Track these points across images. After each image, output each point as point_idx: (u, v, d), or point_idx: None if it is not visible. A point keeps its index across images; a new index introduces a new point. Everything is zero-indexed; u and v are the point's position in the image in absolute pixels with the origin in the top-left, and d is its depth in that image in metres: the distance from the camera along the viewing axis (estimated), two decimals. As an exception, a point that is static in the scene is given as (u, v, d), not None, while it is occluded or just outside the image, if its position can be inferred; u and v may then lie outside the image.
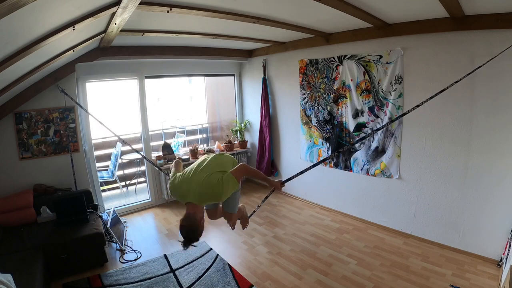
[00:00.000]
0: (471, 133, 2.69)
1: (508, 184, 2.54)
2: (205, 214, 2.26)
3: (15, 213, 2.96)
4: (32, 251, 2.51)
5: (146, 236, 3.56)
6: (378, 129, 2.65)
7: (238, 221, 2.56)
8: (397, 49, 3.03)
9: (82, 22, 1.92)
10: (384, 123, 3.25)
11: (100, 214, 3.34)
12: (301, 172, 2.37)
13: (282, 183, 2.31)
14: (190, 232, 1.79)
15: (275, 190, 2.37)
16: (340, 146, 3.78)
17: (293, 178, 2.39)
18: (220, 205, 2.37)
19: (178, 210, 4.31)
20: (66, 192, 3.42)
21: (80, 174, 3.64)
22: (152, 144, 4.60)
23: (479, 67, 1.87)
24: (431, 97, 2.03)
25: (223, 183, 1.87)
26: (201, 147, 5.04)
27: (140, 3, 1.91)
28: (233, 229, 2.54)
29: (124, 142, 3.61)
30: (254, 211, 2.64)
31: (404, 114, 2.25)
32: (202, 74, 5.26)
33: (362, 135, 3.50)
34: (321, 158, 4.05)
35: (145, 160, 4.44)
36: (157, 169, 4.03)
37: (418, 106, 2.10)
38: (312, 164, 2.41)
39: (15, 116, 3.25)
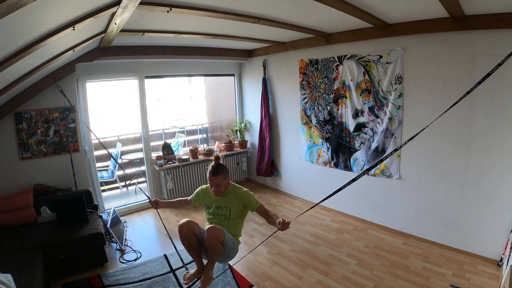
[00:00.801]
0: (471, 133, 2.69)
1: (508, 184, 2.54)
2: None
3: (15, 213, 2.96)
4: (32, 251, 2.51)
5: (146, 236, 3.56)
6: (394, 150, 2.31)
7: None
8: (397, 49, 3.03)
9: (82, 22, 1.92)
10: (384, 123, 3.25)
11: (100, 214, 3.34)
12: (307, 210, 2.16)
13: (288, 223, 2.03)
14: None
15: (281, 229, 2.03)
16: (340, 146, 3.78)
17: (302, 214, 2.30)
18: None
19: (178, 210, 4.30)
20: (66, 192, 3.42)
21: (80, 174, 3.64)
22: (152, 144, 4.60)
23: (486, 77, 1.78)
24: (435, 119, 1.87)
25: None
26: (201, 147, 5.04)
27: (140, 3, 1.91)
28: (186, 283, 2.33)
29: (103, 147, 3.35)
30: (258, 245, 2.58)
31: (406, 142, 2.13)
32: (202, 74, 5.26)
33: (362, 135, 3.50)
34: (320, 158, 4.05)
35: (144, 160, 4.45)
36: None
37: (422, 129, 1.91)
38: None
39: (15, 116, 3.25)
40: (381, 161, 2.78)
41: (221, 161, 2.32)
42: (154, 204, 2.46)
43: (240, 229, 2.42)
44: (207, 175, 2.28)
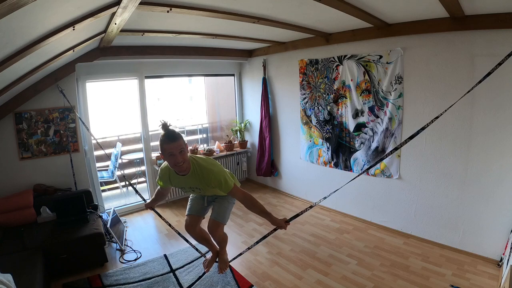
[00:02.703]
0: (471, 133, 2.69)
1: (508, 184, 2.54)
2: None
3: (15, 213, 2.96)
4: (32, 251, 2.51)
5: (146, 236, 3.56)
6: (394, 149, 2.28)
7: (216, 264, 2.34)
8: (397, 49, 3.03)
9: (82, 22, 1.92)
10: (384, 123, 3.25)
11: (100, 214, 3.34)
12: (306, 210, 2.10)
13: (287, 222, 1.99)
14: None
15: (278, 228, 2.02)
16: (340, 146, 3.78)
17: (298, 216, 2.11)
18: (209, 214, 2.20)
19: (178, 210, 4.31)
20: (66, 192, 3.42)
21: (80, 174, 3.64)
22: (152, 144, 4.60)
23: (486, 76, 1.78)
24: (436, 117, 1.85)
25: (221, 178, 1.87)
26: (201, 147, 5.04)
27: (140, 3, 1.91)
28: (207, 270, 2.35)
29: (107, 156, 3.46)
30: (249, 248, 2.27)
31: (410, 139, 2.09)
32: (202, 74, 5.26)
33: (362, 135, 3.50)
34: (320, 158, 4.05)
35: (144, 160, 4.45)
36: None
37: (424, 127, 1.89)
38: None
39: (15, 116, 3.25)
40: (381, 159, 2.79)
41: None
42: (150, 208, 2.37)
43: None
44: (163, 146, 1.76)
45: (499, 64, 1.68)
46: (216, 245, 2.31)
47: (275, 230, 2.09)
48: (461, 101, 2.69)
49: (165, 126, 1.80)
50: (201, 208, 2.24)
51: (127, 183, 5.52)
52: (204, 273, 2.71)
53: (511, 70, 2.39)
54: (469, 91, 1.84)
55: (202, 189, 1.97)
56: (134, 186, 3.37)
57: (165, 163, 1.98)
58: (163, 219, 2.44)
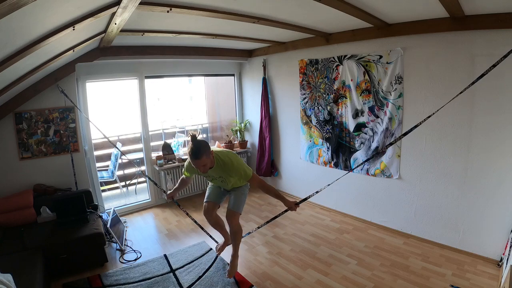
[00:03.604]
0: (471, 133, 2.69)
1: (508, 184, 2.54)
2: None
3: (15, 213, 2.96)
4: (32, 251, 2.51)
5: (146, 236, 3.56)
6: (388, 145, 2.61)
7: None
8: (397, 49, 3.03)
9: (82, 22, 1.92)
10: (384, 123, 3.25)
11: (100, 214, 3.34)
12: (317, 192, 2.44)
13: (297, 204, 2.36)
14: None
15: (288, 210, 2.40)
16: (340, 146, 3.78)
17: (309, 198, 2.47)
18: (226, 203, 2.55)
19: (178, 210, 4.31)
20: (66, 192, 3.42)
21: (80, 174, 3.64)
22: (152, 144, 4.60)
23: (483, 74, 1.82)
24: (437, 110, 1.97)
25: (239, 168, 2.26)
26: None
27: (140, 3, 1.91)
28: (218, 253, 2.83)
29: (116, 148, 3.69)
30: (259, 227, 2.87)
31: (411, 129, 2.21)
32: (202, 74, 5.26)
33: (362, 135, 3.50)
34: (320, 158, 4.05)
35: (144, 160, 4.45)
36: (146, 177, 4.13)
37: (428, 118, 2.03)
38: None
39: (15, 116, 3.25)
40: (376, 154, 2.90)
41: (198, 138, 2.17)
42: (171, 198, 2.72)
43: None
44: (188, 158, 2.15)
45: (493, 66, 1.71)
46: (228, 232, 2.66)
47: (286, 211, 2.49)
48: (462, 101, 2.70)
49: (194, 138, 2.11)
50: (218, 196, 2.57)
51: (127, 182, 5.52)
52: (204, 273, 2.71)
53: (511, 71, 2.40)
54: (461, 93, 1.93)
55: (225, 178, 2.31)
56: (152, 179, 3.73)
57: None
58: (184, 211, 2.87)
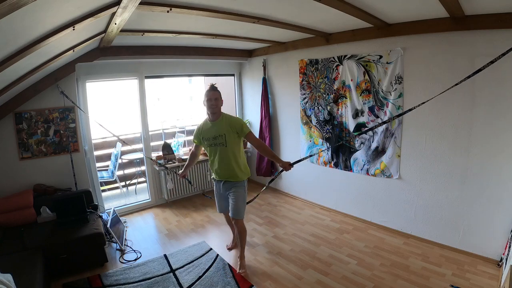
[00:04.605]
0: (471, 133, 2.69)
1: (508, 184, 2.54)
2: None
3: (15, 213, 2.96)
4: (32, 251, 2.51)
5: (146, 236, 3.56)
6: (380, 124, 2.69)
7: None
8: (397, 49, 3.03)
9: (82, 22, 1.91)
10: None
11: (100, 214, 3.34)
12: (310, 156, 2.83)
13: (291, 164, 2.57)
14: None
15: (283, 170, 2.62)
16: (340, 146, 3.78)
17: (302, 160, 2.69)
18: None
19: (178, 210, 4.31)
20: (66, 192, 3.42)
21: (80, 174, 3.64)
22: (152, 144, 4.60)
23: (480, 70, 1.86)
24: (433, 97, 2.08)
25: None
26: (201, 147, 5.04)
27: (140, 3, 1.91)
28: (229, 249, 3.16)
29: (124, 143, 3.69)
30: (265, 187, 3.18)
31: (405, 113, 2.30)
32: (202, 74, 5.26)
33: (362, 135, 3.50)
34: (320, 158, 4.05)
35: (144, 159, 4.45)
36: (160, 166, 4.22)
37: (421, 104, 2.15)
38: (311, 154, 2.65)
39: (15, 116, 3.25)
40: (367, 131, 3.43)
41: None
42: (183, 177, 3.02)
43: (242, 157, 2.72)
44: (206, 94, 2.62)
45: (491, 62, 1.76)
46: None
47: (281, 171, 2.83)
48: (462, 101, 2.71)
49: (212, 86, 2.68)
50: (225, 206, 2.82)
51: (127, 182, 5.53)
52: (204, 274, 2.71)
53: (511, 72, 2.40)
54: (456, 84, 2.05)
55: (226, 135, 2.55)
56: (163, 164, 4.08)
57: (201, 123, 2.75)
58: (192, 184, 3.37)
